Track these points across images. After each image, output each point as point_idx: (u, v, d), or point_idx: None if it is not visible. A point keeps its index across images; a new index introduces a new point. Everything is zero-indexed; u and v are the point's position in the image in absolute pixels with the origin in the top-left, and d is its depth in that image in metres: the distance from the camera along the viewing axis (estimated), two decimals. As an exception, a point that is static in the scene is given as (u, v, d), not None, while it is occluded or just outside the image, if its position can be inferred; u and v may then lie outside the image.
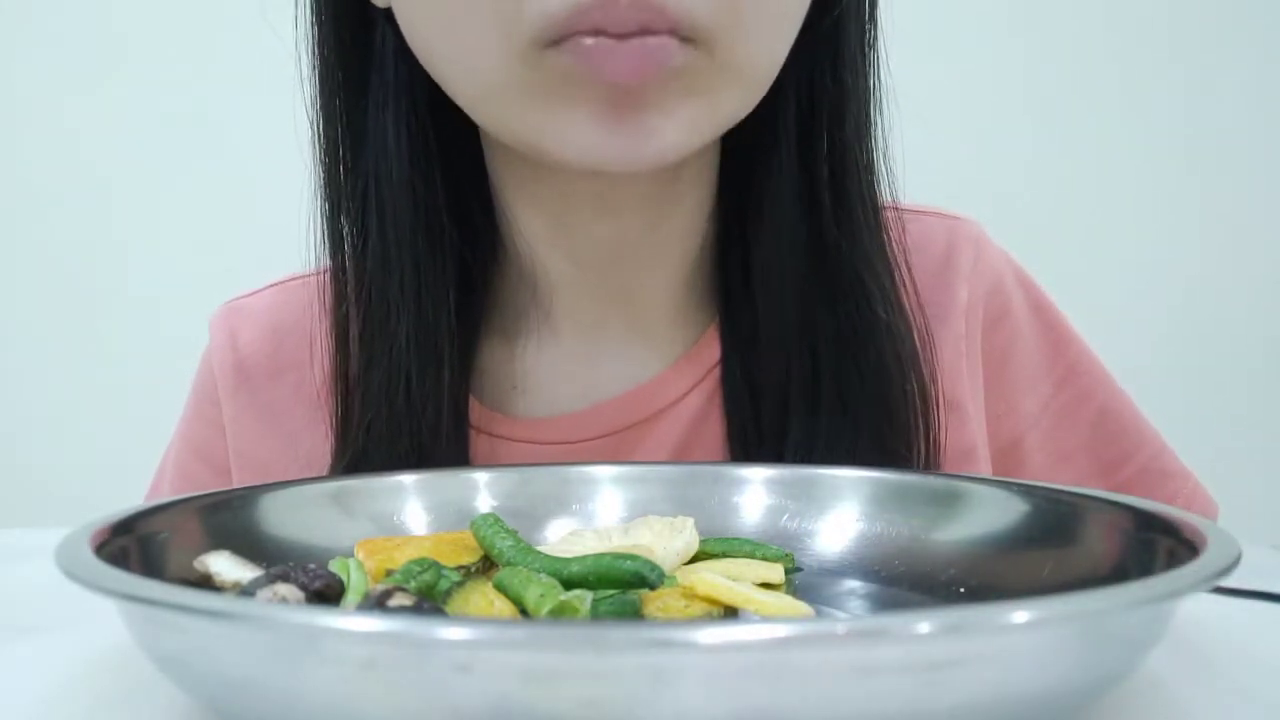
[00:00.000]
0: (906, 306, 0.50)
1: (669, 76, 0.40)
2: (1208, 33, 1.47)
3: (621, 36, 0.39)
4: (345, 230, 0.51)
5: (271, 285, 0.61)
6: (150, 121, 1.50)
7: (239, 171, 1.45)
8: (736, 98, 0.44)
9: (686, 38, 0.40)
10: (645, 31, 0.39)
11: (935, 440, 0.50)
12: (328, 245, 0.52)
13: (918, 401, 0.49)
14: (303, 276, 0.57)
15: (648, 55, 0.39)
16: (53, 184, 1.53)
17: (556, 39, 0.40)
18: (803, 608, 0.32)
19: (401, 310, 0.49)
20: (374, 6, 0.48)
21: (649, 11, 0.39)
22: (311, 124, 0.51)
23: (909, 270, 0.51)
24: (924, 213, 0.57)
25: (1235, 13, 1.47)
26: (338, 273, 0.51)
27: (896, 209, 0.52)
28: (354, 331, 0.51)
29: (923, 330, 0.50)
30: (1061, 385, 0.59)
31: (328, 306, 0.52)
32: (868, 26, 0.49)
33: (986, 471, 0.55)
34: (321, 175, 0.51)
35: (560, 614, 0.30)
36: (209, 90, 1.47)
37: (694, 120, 0.43)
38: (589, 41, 0.39)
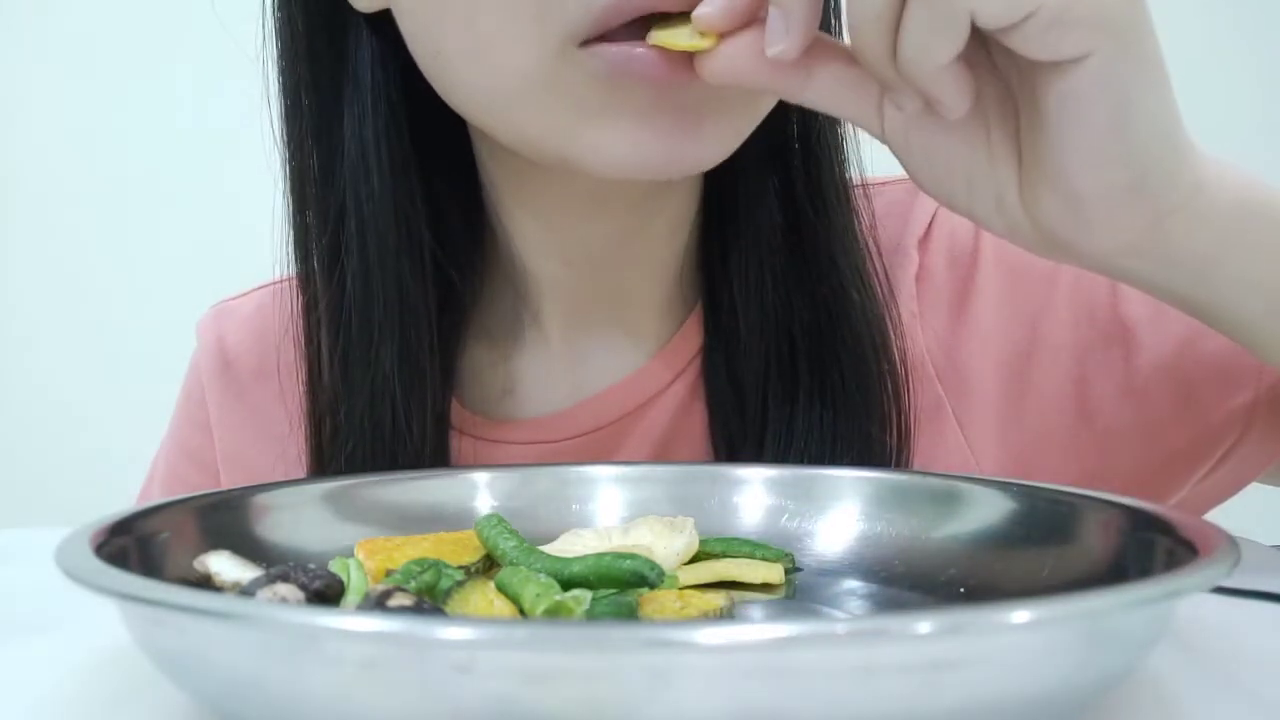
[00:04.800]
0: (878, 289, 0.50)
1: None
2: (1192, 28, 1.47)
3: (674, 16, 0.37)
4: (316, 254, 0.49)
5: (260, 287, 0.60)
6: (153, 123, 1.50)
7: (240, 174, 1.45)
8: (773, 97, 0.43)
9: None
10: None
11: (905, 418, 0.49)
12: (300, 269, 0.50)
13: (889, 383, 0.49)
14: (292, 279, 0.56)
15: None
16: (52, 186, 1.53)
17: (595, 35, 0.38)
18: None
19: (384, 333, 0.48)
20: (348, 17, 0.46)
21: None
22: (277, 138, 0.49)
23: (878, 252, 0.51)
24: (886, 183, 0.56)
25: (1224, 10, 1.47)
26: (310, 302, 0.50)
27: (865, 186, 0.52)
28: (329, 357, 0.49)
29: (894, 313, 0.50)
30: (1076, 289, 0.53)
31: (300, 333, 0.51)
32: (833, 18, 0.49)
33: (954, 428, 0.52)
34: (291, 194, 0.49)
35: (556, 614, 0.30)
36: (213, 92, 1.47)
37: (742, 121, 0.42)
38: (640, 51, 0.37)
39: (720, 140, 0.41)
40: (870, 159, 0.52)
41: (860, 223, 0.51)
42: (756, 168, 0.49)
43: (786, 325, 0.49)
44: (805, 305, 0.49)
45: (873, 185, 0.52)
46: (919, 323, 0.53)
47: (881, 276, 0.51)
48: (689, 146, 0.40)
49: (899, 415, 0.49)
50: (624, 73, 0.38)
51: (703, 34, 0.35)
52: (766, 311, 0.49)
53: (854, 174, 0.51)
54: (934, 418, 0.52)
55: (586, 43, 0.38)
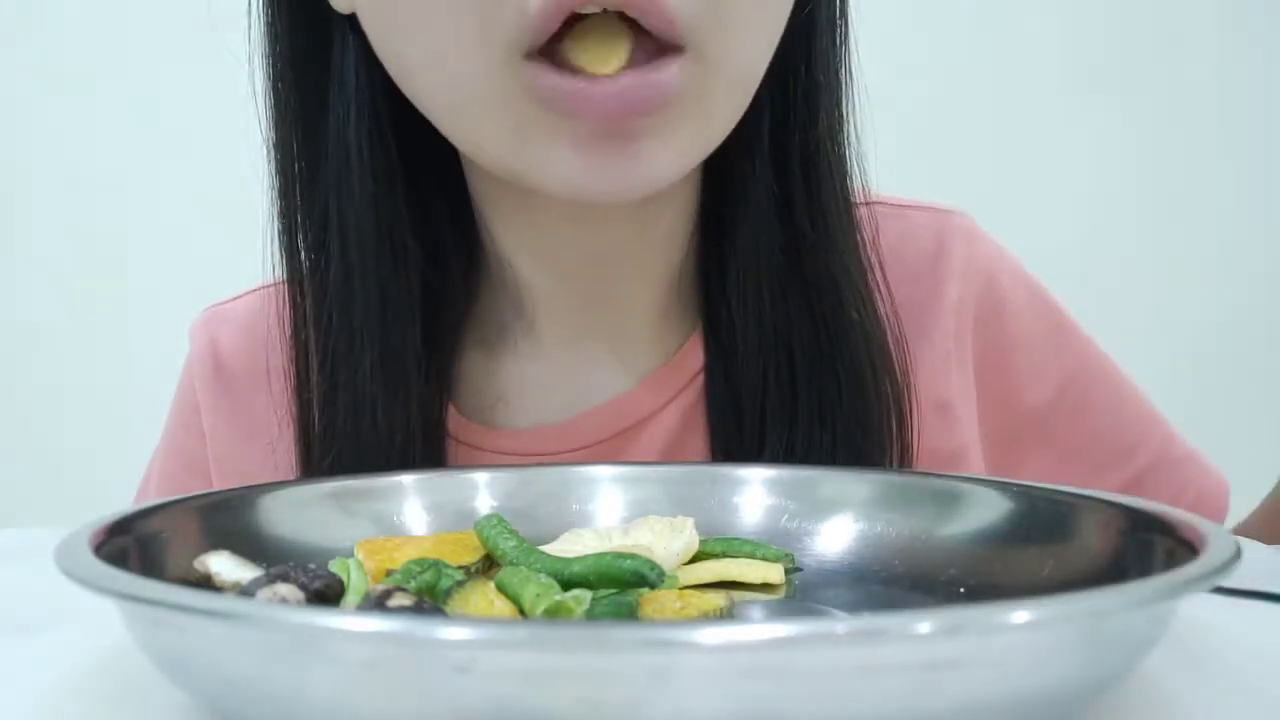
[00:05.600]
0: (880, 307, 0.50)
1: (664, 105, 0.39)
2: (1197, 28, 1.47)
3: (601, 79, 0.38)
4: (303, 254, 0.49)
5: (253, 290, 0.60)
6: (148, 123, 1.50)
7: (238, 176, 1.45)
8: (724, 113, 0.43)
9: (676, 46, 0.39)
10: (635, 28, 0.38)
11: (908, 443, 0.49)
12: (285, 267, 0.50)
13: (891, 404, 0.49)
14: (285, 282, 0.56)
15: (634, 92, 0.38)
16: (48, 185, 1.53)
17: (537, 44, 0.38)
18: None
19: (365, 336, 0.47)
20: (333, 17, 0.46)
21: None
22: (264, 139, 0.49)
23: (883, 270, 0.50)
24: (910, 207, 0.56)
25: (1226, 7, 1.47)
26: (295, 297, 0.50)
27: (876, 204, 0.51)
28: (314, 358, 0.49)
29: (897, 331, 0.50)
30: (1069, 379, 0.57)
31: (286, 334, 0.50)
32: (838, 23, 0.49)
33: (979, 472, 0.54)
34: (278, 193, 0.49)
35: (556, 614, 0.30)
36: (195, 90, 1.47)
37: (688, 142, 0.42)
38: (563, 84, 0.38)
39: (661, 164, 0.41)
40: (875, 175, 0.51)
41: (864, 241, 0.50)
42: (756, 182, 0.49)
43: (786, 342, 0.49)
44: (804, 323, 0.49)
45: (887, 204, 0.52)
46: (953, 361, 0.54)
47: (886, 297, 0.50)
48: (627, 169, 0.40)
49: (900, 436, 0.49)
50: (562, 106, 0.38)
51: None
52: (765, 328, 0.49)
53: (858, 191, 0.50)
54: (959, 462, 0.53)
55: (530, 56, 0.39)
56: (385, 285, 0.47)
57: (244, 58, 0.49)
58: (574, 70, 0.38)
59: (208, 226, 1.49)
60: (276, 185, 0.49)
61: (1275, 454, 1.41)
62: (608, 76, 0.38)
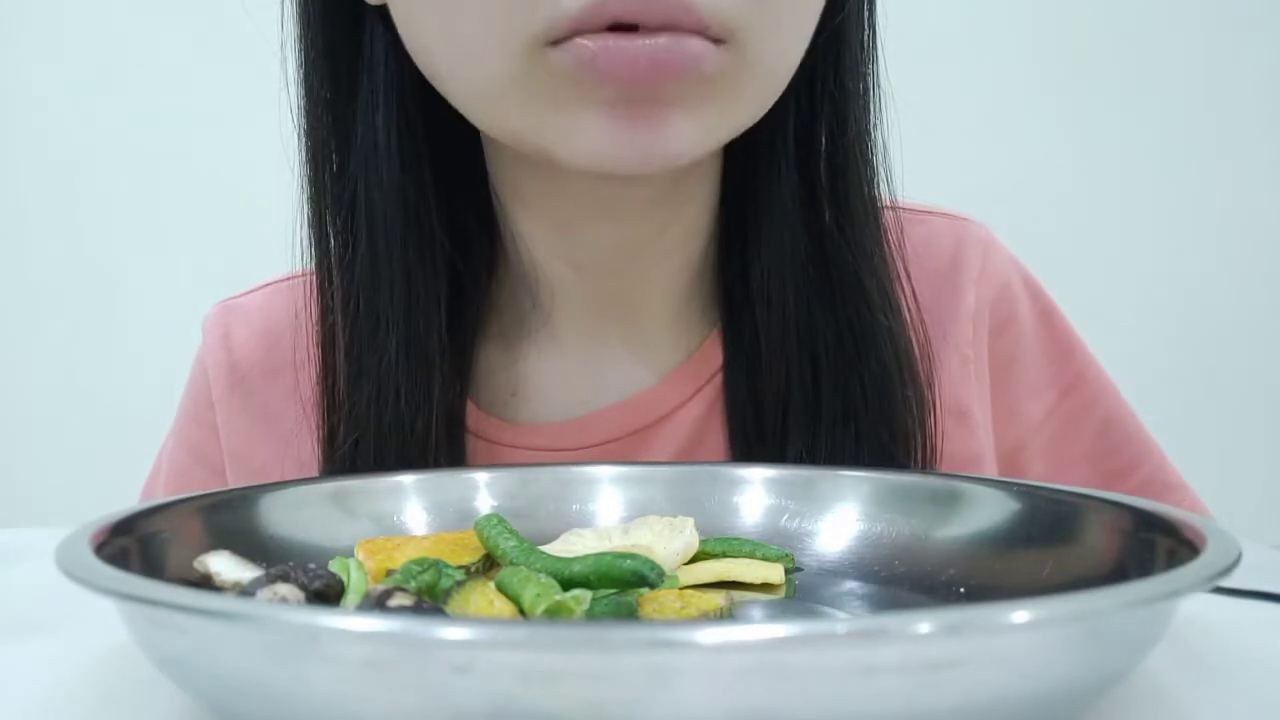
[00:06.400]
0: (905, 310, 0.50)
1: (696, 78, 0.39)
2: (1215, 30, 1.47)
3: (640, 30, 0.37)
4: (332, 238, 0.49)
5: (265, 285, 0.60)
6: (147, 120, 1.50)
7: (235, 170, 1.45)
8: (756, 99, 0.43)
9: (716, 38, 0.39)
10: (671, 28, 0.37)
11: (932, 446, 0.49)
12: (314, 253, 0.50)
13: (915, 408, 0.49)
14: (297, 276, 0.56)
15: (667, 54, 0.38)
16: (43, 183, 1.53)
17: (563, 36, 0.38)
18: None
19: (391, 322, 0.48)
20: (365, 8, 0.47)
21: (676, 8, 0.37)
22: (296, 126, 0.49)
23: (908, 274, 0.50)
24: (930, 214, 0.57)
25: (1233, 8, 1.47)
26: (324, 282, 0.50)
27: (899, 209, 0.51)
28: (341, 344, 0.49)
29: (921, 335, 0.50)
30: (1067, 392, 0.58)
31: (314, 318, 0.51)
32: (866, 29, 0.49)
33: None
34: (307, 180, 0.50)
35: (556, 614, 0.30)
36: (207, 87, 1.47)
37: (714, 121, 0.41)
38: (591, 44, 0.37)
39: (688, 135, 0.40)
40: (900, 179, 0.51)
41: (890, 245, 0.50)
42: (780, 183, 0.48)
43: (810, 343, 0.48)
44: (830, 324, 0.48)
45: (911, 211, 0.52)
46: (971, 368, 0.53)
47: (910, 301, 0.50)
48: (656, 138, 0.40)
49: (923, 440, 0.49)
50: (590, 70, 0.38)
51: None
52: (788, 331, 0.49)
53: (884, 193, 0.50)
54: (976, 469, 0.53)
55: (558, 41, 0.38)
56: (411, 271, 0.48)
57: (278, 44, 0.49)
58: (611, 28, 0.38)
59: (208, 225, 1.49)
60: (306, 172, 0.50)
61: (1255, 452, 1.41)
62: (646, 32, 0.37)
